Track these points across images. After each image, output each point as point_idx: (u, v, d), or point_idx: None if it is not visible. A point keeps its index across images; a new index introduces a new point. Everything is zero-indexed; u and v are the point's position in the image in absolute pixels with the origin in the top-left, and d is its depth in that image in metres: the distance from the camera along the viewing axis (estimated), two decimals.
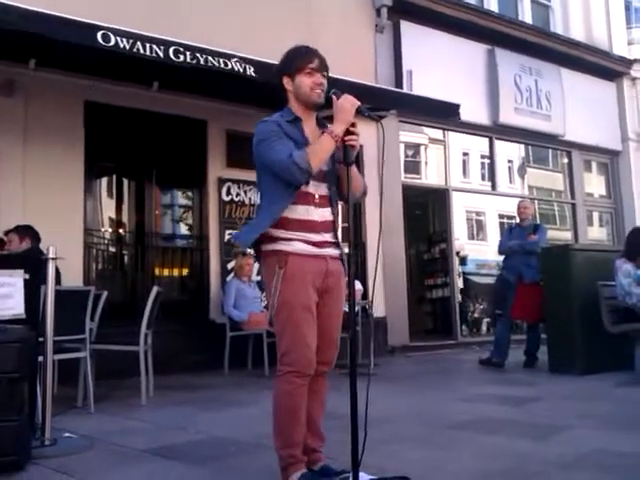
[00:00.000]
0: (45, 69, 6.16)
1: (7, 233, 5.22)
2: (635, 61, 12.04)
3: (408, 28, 9.03)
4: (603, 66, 11.51)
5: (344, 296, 2.63)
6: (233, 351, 6.66)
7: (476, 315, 10.39)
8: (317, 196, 2.56)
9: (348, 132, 2.48)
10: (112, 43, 4.99)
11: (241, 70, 5.64)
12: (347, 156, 2.49)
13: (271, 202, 2.52)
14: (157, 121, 7.00)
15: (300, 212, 2.51)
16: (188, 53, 5.42)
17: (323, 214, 2.57)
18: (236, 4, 7.37)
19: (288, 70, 2.57)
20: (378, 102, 7.08)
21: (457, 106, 7.70)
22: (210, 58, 5.50)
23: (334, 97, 2.49)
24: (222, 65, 5.55)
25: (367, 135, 7.16)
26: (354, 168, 2.57)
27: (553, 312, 6.37)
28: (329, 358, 2.62)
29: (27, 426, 3.17)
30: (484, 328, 10.28)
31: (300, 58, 2.56)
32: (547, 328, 6.60)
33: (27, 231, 5.07)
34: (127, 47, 5.07)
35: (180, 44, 5.46)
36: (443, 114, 8.15)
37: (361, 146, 2.63)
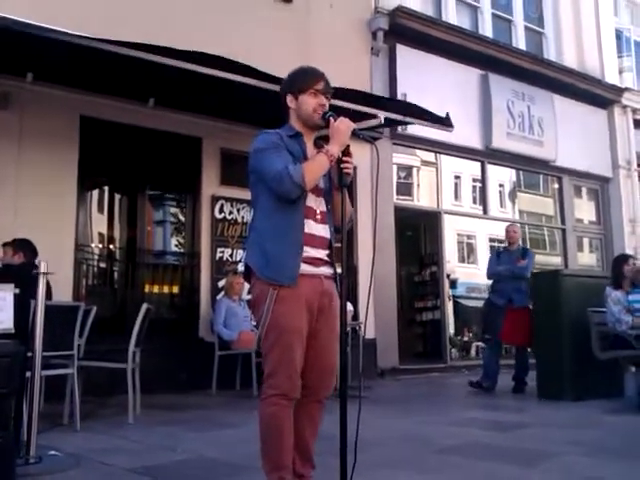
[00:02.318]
0: (42, 83, 6.17)
1: (4, 245, 5.19)
2: (626, 89, 12.21)
3: (403, 52, 9.13)
4: (595, 93, 11.66)
5: (339, 318, 2.62)
6: (221, 370, 6.61)
7: (466, 339, 10.39)
8: (318, 211, 2.57)
9: (344, 154, 2.52)
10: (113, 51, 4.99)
11: (242, 80, 5.64)
12: (342, 179, 2.53)
13: (270, 219, 2.48)
14: (152, 137, 7.02)
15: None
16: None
17: (321, 230, 2.57)
18: (233, 24, 7.43)
19: (293, 89, 2.61)
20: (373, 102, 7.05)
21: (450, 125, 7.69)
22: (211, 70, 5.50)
23: (331, 119, 2.53)
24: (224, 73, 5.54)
25: (361, 156, 7.20)
26: (346, 195, 2.59)
27: (543, 337, 6.38)
28: (327, 384, 2.58)
29: (12, 443, 3.11)
30: (473, 352, 10.28)
31: (306, 79, 2.61)
32: (536, 354, 6.61)
33: (22, 246, 5.04)
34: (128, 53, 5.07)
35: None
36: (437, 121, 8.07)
37: (354, 167, 2.65)
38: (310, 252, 2.52)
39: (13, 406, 3.11)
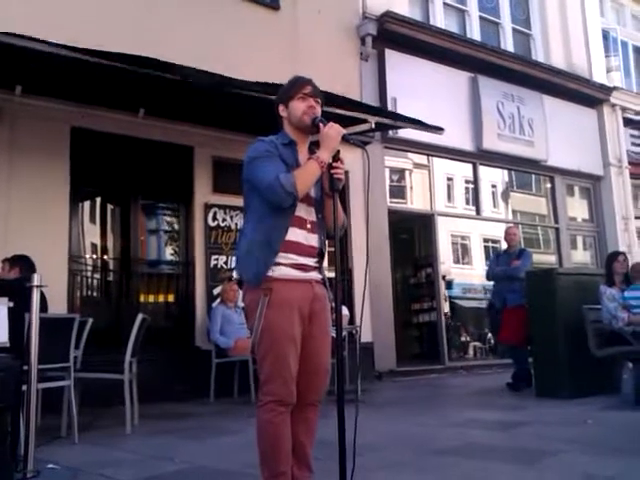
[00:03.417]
0: (31, 95, 6.16)
1: (4, 261, 5.20)
2: (614, 88, 12.28)
3: (392, 56, 9.16)
4: (584, 93, 11.72)
5: (330, 321, 2.64)
6: (219, 378, 6.60)
7: (463, 339, 10.41)
8: (308, 221, 2.58)
9: (334, 159, 2.53)
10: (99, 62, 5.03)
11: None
12: (333, 184, 2.54)
13: (260, 225, 2.50)
14: (143, 147, 7.02)
15: (290, 235, 2.52)
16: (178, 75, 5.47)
17: (312, 240, 2.59)
18: (223, 32, 7.46)
19: (283, 98, 2.66)
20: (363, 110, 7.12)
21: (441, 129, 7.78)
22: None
23: (320, 125, 2.54)
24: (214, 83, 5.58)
25: (352, 160, 7.27)
26: (337, 200, 2.61)
27: (539, 336, 6.39)
28: (320, 388, 2.60)
29: (9, 458, 3.10)
30: (471, 352, 10.29)
31: (293, 86, 2.66)
32: (533, 352, 6.62)
33: (18, 261, 5.05)
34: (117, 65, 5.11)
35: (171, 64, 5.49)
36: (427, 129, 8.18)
37: (346, 172, 2.67)
38: (298, 259, 2.53)
39: (10, 420, 3.10)
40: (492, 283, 7.49)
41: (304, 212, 2.57)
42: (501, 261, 7.31)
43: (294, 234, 2.53)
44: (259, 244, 2.49)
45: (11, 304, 3.42)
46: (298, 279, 2.52)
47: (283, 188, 2.42)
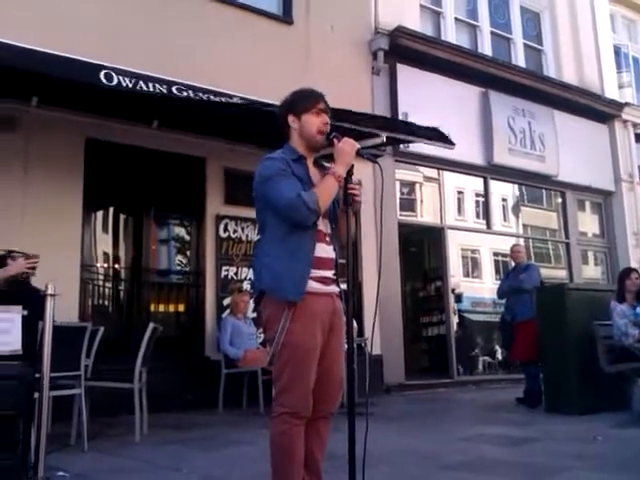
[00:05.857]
0: (47, 107, 6.24)
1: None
2: (626, 104, 12.26)
3: (404, 71, 9.21)
4: (595, 109, 11.71)
5: (344, 334, 2.64)
6: (228, 389, 6.61)
7: (472, 353, 10.36)
8: (327, 234, 2.60)
9: (348, 173, 2.55)
10: (114, 82, 5.09)
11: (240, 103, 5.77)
12: (347, 199, 2.56)
13: (284, 242, 2.49)
14: (156, 158, 7.07)
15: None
16: (190, 91, 5.54)
17: (330, 252, 2.61)
18: (235, 47, 7.53)
19: (295, 109, 2.64)
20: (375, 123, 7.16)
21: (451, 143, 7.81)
22: (212, 96, 5.62)
23: (335, 140, 2.56)
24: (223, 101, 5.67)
25: (364, 174, 7.29)
26: (351, 215, 2.62)
27: (549, 351, 6.37)
28: (334, 400, 2.60)
29: (20, 465, 3.12)
30: (480, 367, 10.24)
31: (309, 99, 2.65)
32: (543, 367, 6.59)
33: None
34: (129, 85, 5.18)
35: (182, 83, 5.58)
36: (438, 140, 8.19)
37: (359, 182, 2.69)
38: (321, 272, 2.54)
39: (21, 428, 3.12)
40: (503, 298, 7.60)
41: (322, 225, 2.58)
42: (510, 278, 7.45)
43: (318, 248, 2.54)
44: (287, 262, 2.46)
45: (25, 312, 3.45)
46: (321, 292, 2.53)
47: (306, 205, 2.42)
